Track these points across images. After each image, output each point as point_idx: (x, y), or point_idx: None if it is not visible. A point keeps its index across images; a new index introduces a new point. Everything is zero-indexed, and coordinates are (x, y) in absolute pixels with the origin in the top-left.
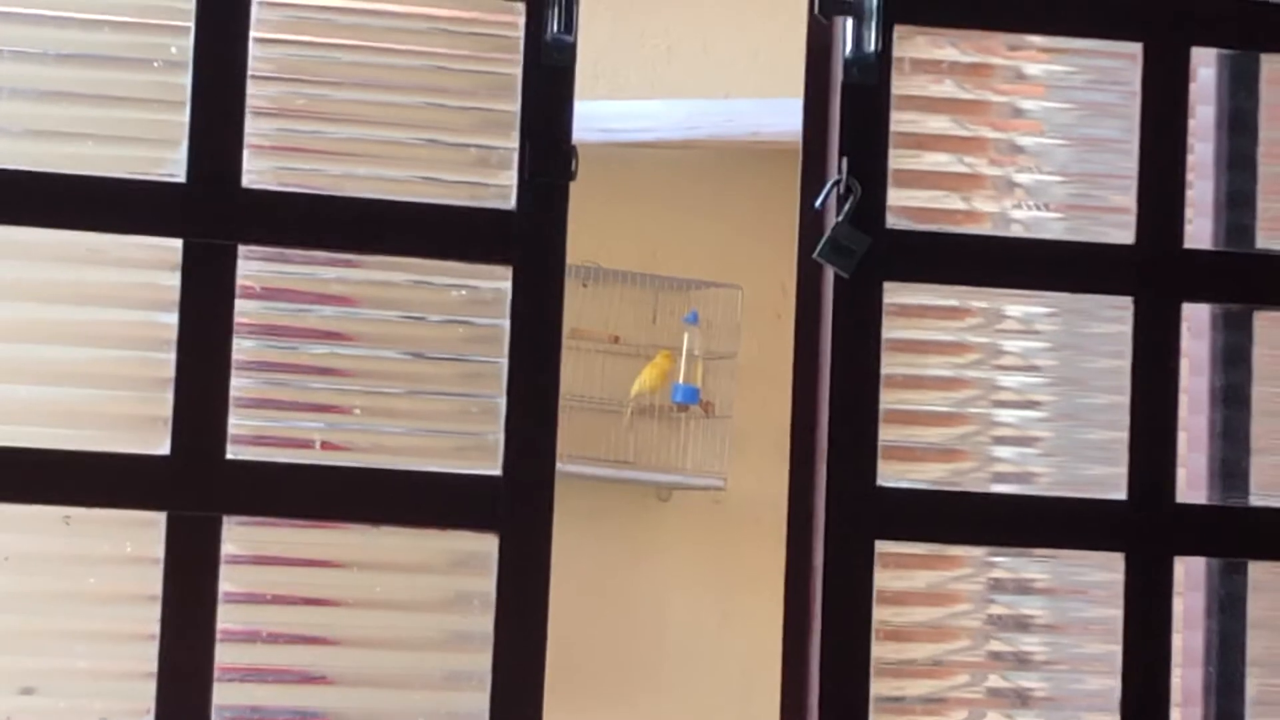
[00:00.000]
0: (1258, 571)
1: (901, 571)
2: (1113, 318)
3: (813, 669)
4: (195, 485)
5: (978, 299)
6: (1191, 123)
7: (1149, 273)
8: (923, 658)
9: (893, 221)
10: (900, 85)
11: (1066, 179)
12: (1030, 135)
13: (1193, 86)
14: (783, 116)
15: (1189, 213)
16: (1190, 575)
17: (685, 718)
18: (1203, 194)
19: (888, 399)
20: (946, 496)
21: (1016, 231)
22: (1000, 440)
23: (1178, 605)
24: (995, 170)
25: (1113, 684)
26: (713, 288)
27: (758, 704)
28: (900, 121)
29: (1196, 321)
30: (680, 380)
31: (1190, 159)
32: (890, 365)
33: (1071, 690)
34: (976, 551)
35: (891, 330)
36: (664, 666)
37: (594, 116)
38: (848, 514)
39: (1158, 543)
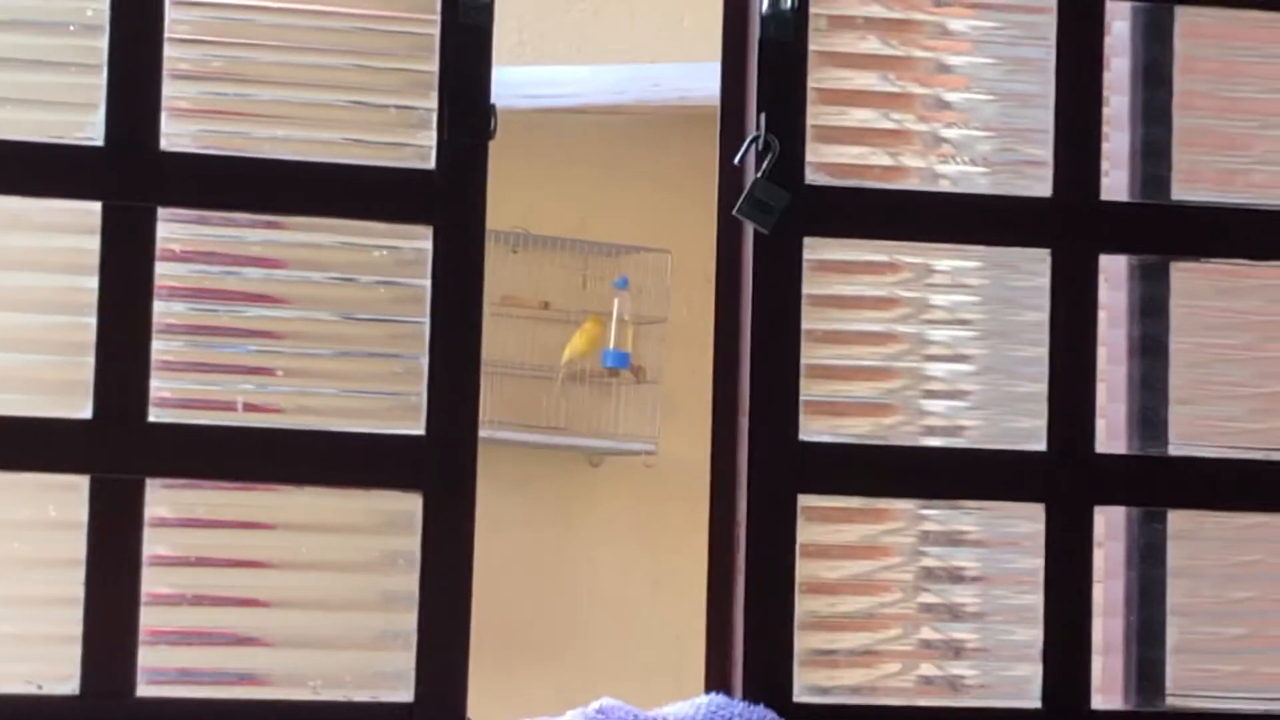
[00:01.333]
0: (1177, 520)
1: (833, 526)
2: (1038, 270)
3: (737, 623)
4: (117, 448)
5: (904, 254)
6: (1107, 75)
7: (1066, 225)
8: (856, 610)
9: (814, 177)
10: (823, 42)
11: (992, 133)
12: (956, 90)
13: (1108, 39)
14: (710, 80)
15: (1105, 165)
16: (1111, 525)
17: (617, 680)
18: (1119, 146)
19: (814, 354)
20: (867, 450)
21: (944, 186)
22: (929, 394)
23: (1099, 555)
24: (921, 126)
25: (1039, 633)
26: (642, 252)
27: (689, 666)
28: (825, 79)
29: (1114, 273)
30: (610, 345)
31: (1106, 111)
32: (814, 321)
33: (1001, 640)
34: (906, 505)
35: (815, 286)
36: (596, 630)
37: (520, 83)
38: (769, 468)
39: (1078, 493)
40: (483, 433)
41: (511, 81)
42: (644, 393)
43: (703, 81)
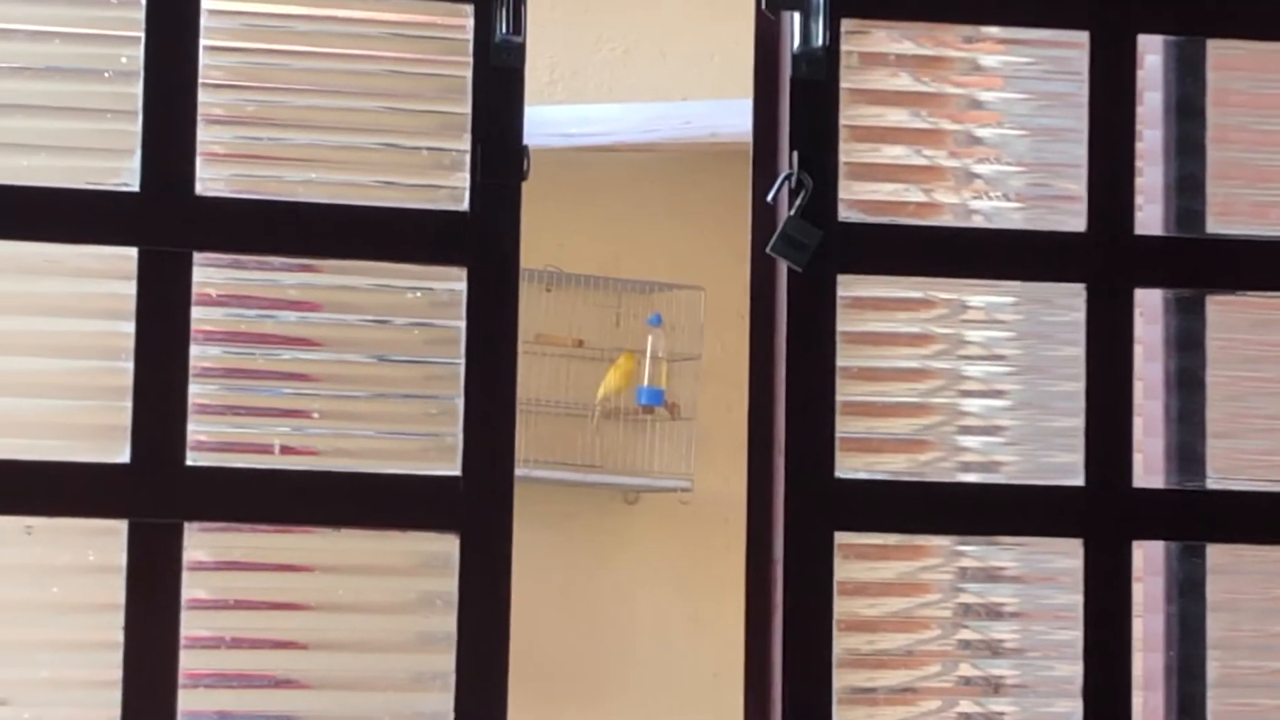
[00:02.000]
0: (1216, 555)
1: (870, 563)
2: (1073, 305)
3: (775, 661)
4: (156, 492)
5: (938, 290)
6: (1140, 109)
7: (1101, 259)
8: (894, 648)
9: (847, 214)
10: (854, 79)
11: (1025, 169)
12: (988, 126)
13: (1140, 73)
14: (740, 117)
15: (1139, 199)
16: (1149, 560)
17: (656, 718)
18: (1153, 180)
19: (849, 391)
20: (904, 486)
21: (978, 222)
22: (965, 430)
23: (1138, 590)
24: (954, 162)
25: (1079, 669)
26: (675, 289)
27: (727, 704)
28: (857, 115)
29: (1149, 307)
30: (644, 383)
31: (1139, 145)
32: (849, 358)
33: (1040, 676)
34: (944, 541)
35: (849, 323)
36: (632, 668)
37: (552, 121)
38: (806, 506)
39: (1116, 528)
40: (518, 471)
41: (543, 120)
42: (679, 430)
43: (734, 119)
